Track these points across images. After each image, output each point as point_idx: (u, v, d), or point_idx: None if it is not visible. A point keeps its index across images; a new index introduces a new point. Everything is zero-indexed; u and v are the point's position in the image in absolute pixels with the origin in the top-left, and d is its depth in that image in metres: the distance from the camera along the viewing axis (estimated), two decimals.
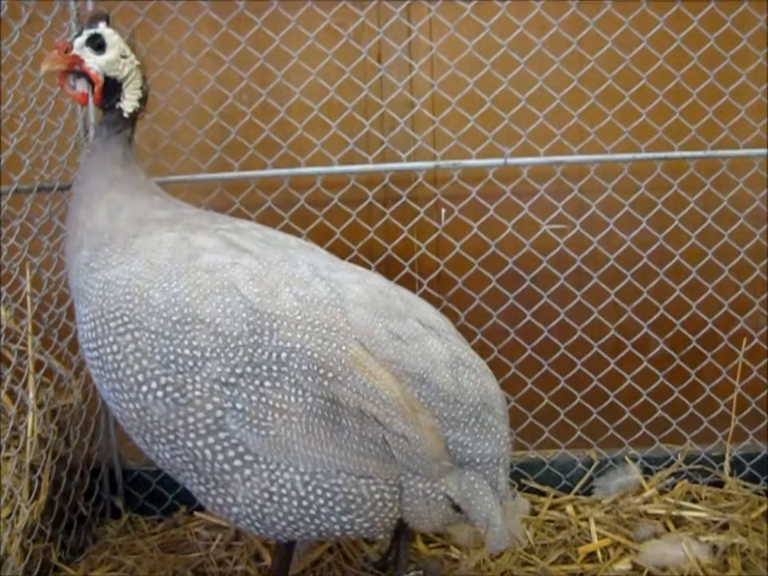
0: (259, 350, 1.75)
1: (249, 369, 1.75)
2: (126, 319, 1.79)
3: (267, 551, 2.44)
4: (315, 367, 1.75)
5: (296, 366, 1.75)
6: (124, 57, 1.97)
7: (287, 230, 2.55)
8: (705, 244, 2.76)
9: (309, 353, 1.76)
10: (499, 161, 2.66)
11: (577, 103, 2.68)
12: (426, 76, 2.76)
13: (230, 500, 1.82)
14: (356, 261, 2.62)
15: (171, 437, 1.79)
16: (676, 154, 2.68)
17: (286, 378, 1.75)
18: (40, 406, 2.33)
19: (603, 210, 2.75)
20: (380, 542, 2.45)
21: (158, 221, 1.93)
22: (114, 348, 1.79)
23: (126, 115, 1.99)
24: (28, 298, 2.29)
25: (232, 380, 1.75)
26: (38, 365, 2.36)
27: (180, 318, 1.76)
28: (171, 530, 2.66)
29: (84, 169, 2.01)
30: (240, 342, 1.75)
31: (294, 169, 2.67)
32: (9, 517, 2.15)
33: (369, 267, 2.63)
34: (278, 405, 1.75)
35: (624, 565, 2.39)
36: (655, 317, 2.77)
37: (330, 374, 1.76)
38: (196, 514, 2.70)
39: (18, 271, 2.29)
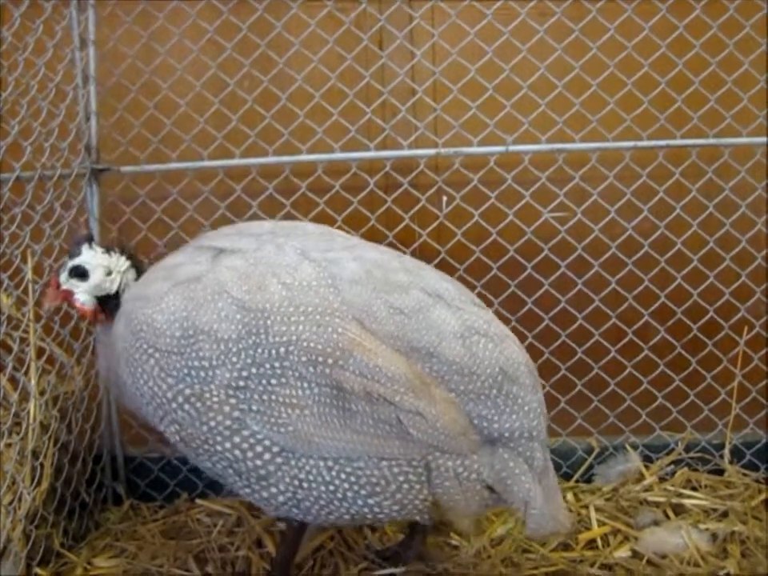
0: (259, 350, 1.76)
1: (254, 370, 1.77)
2: (145, 346, 1.84)
3: (268, 537, 2.45)
4: (314, 356, 1.75)
5: (296, 358, 1.76)
6: (109, 274, 2.02)
7: (288, 217, 2.56)
8: (706, 232, 2.76)
9: (305, 343, 1.75)
10: (500, 148, 2.65)
11: (578, 91, 2.67)
12: (427, 63, 2.75)
13: (274, 491, 1.83)
14: None
15: (206, 446, 1.83)
16: (678, 141, 2.67)
17: (290, 373, 1.76)
18: (42, 392, 2.34)
19: (604, 197, 2.74)
20: (391, 531, 2.47)
21: None
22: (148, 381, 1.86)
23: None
24: (29, 285, 2.29)
25: (241, 384, 1.77)
26: (40, 352, 2.36)
27: (182, 333, 1.80)
28: (173, 516, 2.67)
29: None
30: (240, 345, 1.77)
31: (296, 156, 2.67)
32: (11, 503, 2.16)
33: None
34: (287, 400, 1.76)
35: (624, 552, 2.39)
36: (656, 305, 2.77)
37: (330, 360, 1.75)
38: (197, 500, 2.71)
39: (19, 258, 2.29)
